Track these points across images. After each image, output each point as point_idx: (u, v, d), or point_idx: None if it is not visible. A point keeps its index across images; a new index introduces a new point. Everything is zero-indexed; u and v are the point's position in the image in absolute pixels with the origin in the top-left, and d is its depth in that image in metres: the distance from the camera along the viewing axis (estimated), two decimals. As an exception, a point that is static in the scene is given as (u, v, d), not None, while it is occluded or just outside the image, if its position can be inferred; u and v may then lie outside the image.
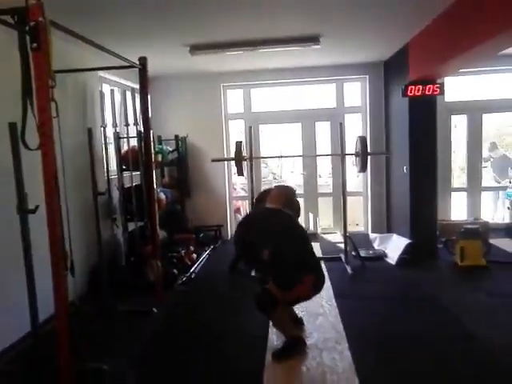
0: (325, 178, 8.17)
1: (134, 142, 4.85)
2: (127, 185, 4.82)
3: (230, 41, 4.95)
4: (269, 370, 2.92)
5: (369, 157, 5.31)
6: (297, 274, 3.11)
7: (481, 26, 3.51)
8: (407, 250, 5.37)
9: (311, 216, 7.35)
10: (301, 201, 7.14)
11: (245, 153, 5.46)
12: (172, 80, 6.78)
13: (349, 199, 7.05)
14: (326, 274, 4.91)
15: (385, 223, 6.91)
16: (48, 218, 2.38)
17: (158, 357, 3.21)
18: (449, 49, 4.21)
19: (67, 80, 4.29)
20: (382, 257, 5.65)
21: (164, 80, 6.69)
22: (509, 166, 7.69)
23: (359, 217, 7.44)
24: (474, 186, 7.01)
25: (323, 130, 7.19)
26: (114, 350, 3.33)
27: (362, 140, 5.19)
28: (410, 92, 5.22)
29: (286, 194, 3.58)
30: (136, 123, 4.66)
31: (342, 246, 5.56)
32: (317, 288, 3.28)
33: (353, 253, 5.50)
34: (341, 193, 5.60)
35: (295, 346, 3.16)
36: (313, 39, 4.89)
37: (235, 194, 7.68)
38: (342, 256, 5.50)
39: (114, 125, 4.69)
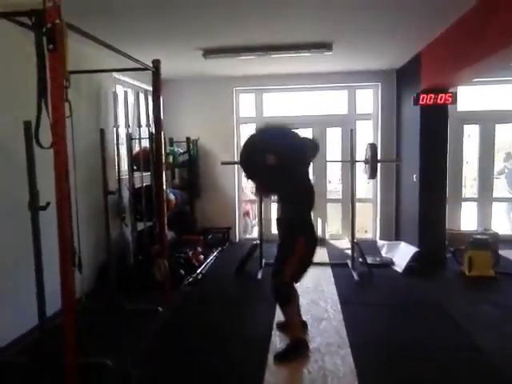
0: (334, 184, 8.16)
1: (145, 143, 4.92)
2: (138, 185, 4.89)
3: (243, 45, 5.00)
4: (270, 371, 2.95)
5: (379, 164, 5.31)
6: (292, 228, 3.24)
7: (493, 36, 3.51)
8: (415, 258, 5.36)
9: (320, 221, 7.35)
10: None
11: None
12: (185, 83, 6.86)
13: (358, 206, 7.06)
14: (331, 279, 5.00)
15: (393, 231, 6.89)
16: (58, 215, 2.43)
17: (162, 356, 3.26)
18: (461, 58, 4.21)
19: (82, 80, 4.38)
20: (389, 264, 5.63)
21: (177, 83, 6.77)
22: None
23: (368, 223, 7.43)
24: (486, 197, 6.96)
25: (334, 136, 7.21)
26: (119, 347, 3.37)
27: (373, 147, 5.20)
28: (422, 100, 5.22)
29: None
30: (148, 125, 4.73)
31: (350, 252, 5.57)
32: (309, 250, 3.27)
33: (360, 259, 5.50)
34: (350, 199, 5.60)
35: (298, 348, 3.19)
36: (325, 46, 4.92)
37: (245, 198, 7.71)
38: (349, 262, 5.50)
39: (127, 126, 4.76)
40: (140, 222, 4.86)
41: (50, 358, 2.89)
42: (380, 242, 6.58)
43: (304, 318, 3.71)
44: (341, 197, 7.31)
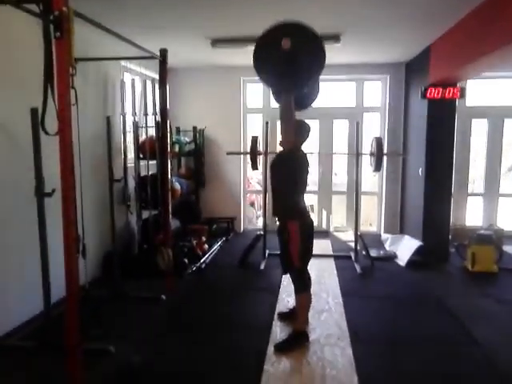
0: (340, 177, 8.15)
1: (152, 132, 4.93)
2: (143, 173, 4.92)
3: (251, 35, 4.96)
4: (269, 361, 2.98)
5: (384, 157, 5.29)
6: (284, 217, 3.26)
7: (504, 30, 3.48)
8: (418, 252, 5.36)
9: (324, 213, 7.36)
10: (315, 198, 7.22)
11: (261, 148, 5.50)
12: (192, 72, 6.85)
13: (364, 199, 7.08)
14: (334, 271, 5.02)
15: (398, 224, 6.89)
16: (63, 201, 2.45)
17: (164, 343, 3.30)
18: (470, 52, 4.17)
19: (89, 68, 4.39)
20: (392, 257, 5.64)
21: (185, 72, 6.77)
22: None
23: (373, 216, 7.44)
24: (492, 192, 6.93)
25: (341, 129, 7.18)
26: (122, 334, 3.42)
27: (378, 141, 5.18)
28: (430, 94, 5.19)
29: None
30: (155, 113, 4.74)
31: (353, 244, 5.58)
32: (305, 230, 3.21)
33: (363, 252, 5.51)
34: (355, 192, 5.60)
35: (298, 339, 3.23)
36: (334, 37, 4.89)
37: (251, 188, 7.72)
38: (352, 255, 5.52)
39: (134, 114, 4.78)
40: (145, 210, 4.89)
41: (54, 342, 2.95)
42: (384, 236, 6.58)
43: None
44: (346, 189, 7.30)
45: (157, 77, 4.42)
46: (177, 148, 6.10)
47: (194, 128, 6.75)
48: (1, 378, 2.82)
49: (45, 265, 2.95)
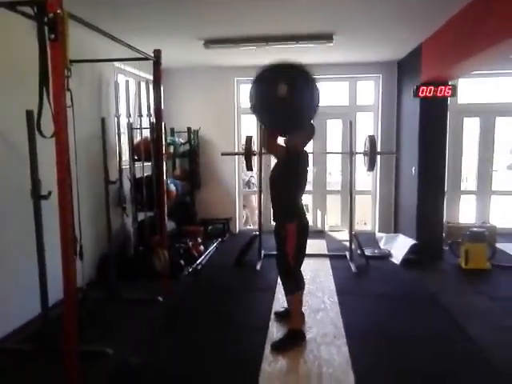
0: (334, 176, 8.19)
1: (146, 133, 4.93)
2: (138, 175, 4.92)
3: (244, 36, 5.00)
4: (267, 360, 3.00)
5: (378, 156, 5.32)
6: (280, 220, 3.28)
7: (493, 28, 3.52)
8: (412, 250, 5.40)
9: (319, 213, 7.39)
10: (309, 197, 7.25)
11: (255, 147, 5.52)
12: (186, 73, 6.86)
13: (358, 198, 7.11)
14: (330, 271, 5.05)
15: (392, 223, 6.93)
16: (60, 203, 2.46)
17: (161, 344, 3.31)
18: (461, 50, 4.21)
19: (83, 70, 4.39)
20: (386, 256, 5.68)
21: (178, 72, 6.77)
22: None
23: (368, 216, 7.48)
24: (484, 190, 6.99)
25: (335, 128, 7.22)
26: (119, 336, 3.42)
27: (371, 139, 5.21)
28: (422, 93, 5.23)
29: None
30: (149, 114, 4.74)
31: (348, 244, 5.61)
32: (301, 230, 3.26)
33: (358, 251, 5.54)
34: (349, 191, 5.63)
35: (294, 338, 3.25)
36: (326, 37, 4.93)
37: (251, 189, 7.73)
38: (348, 254, 5.55)
39: (128, 115, 4.77)
40: (141, 212, 4.89)
41: (52, 345, 2.95)
42: (378, 234, 6.63)
43: (301, 308, 3.76)
44: (340, 188, 7.33)
45: (150, 78, 4.43)
46: (172, 149, 6.10)
47: (189, 129, 6.75)
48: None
49: (42, 267, 2.95)
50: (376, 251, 5.86)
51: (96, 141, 4.17)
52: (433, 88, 5.17)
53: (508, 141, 7.53)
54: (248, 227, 7.66)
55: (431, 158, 5.52)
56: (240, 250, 5.47)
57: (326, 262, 5.43)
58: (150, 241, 4.78)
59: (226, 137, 7.05)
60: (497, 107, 6.81)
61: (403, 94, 6.36)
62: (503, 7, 3.36)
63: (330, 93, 7.28)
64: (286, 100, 2.98)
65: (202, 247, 5.81)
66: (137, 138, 5.11)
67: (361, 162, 5.73)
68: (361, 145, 5.72)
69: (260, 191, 5.59)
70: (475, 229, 5.31)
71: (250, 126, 7.30)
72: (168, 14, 4.15)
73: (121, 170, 4.60)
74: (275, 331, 3.46)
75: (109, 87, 5.02)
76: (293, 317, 3.38)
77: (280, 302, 4.06)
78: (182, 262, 5.03)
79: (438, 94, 5.18)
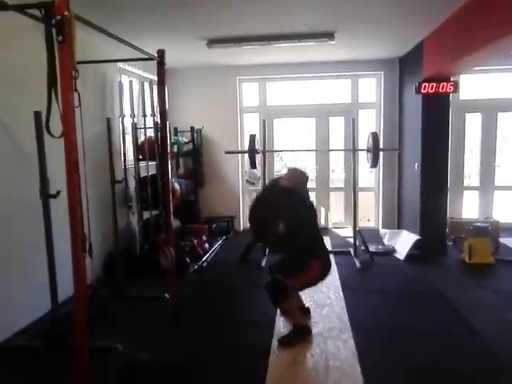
0: (337, 173, 8.21)
1: (150, 133, 4.98)
2: (143, 174, 4.96)
3: (246, 35, 5.04)
4: (274, 355, 3.04)
5: (381, 153, 5.35)
6: (306, 255, 3.28)
7: (494, 24, 3.54)
8: (416, 246, 5.44)
9: (323, 210, 7.42)
10: (313, 194, 7.27)
11: (258, 146, 5.56)
12: (189, 72, 6.90)
13: (361, 195, 7.12)
14: (334, 266, 5.06)
15: (395, 219, 6.96)
16: (69, 202, 2.50)
17: (168, 340, 3.36)
18: (462, 46, 4.24)
19: (87, 70, 4.42)
20: (390, 252, 5.72)
21: (181, 72, 6.81)
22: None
23: (371, 212, 7.50)
24: (487, 185, 7.01)
25: (337, 125, 7.25)
26: (127, 332, 3.46)
27: (374, 136, 5.25)
28: (424, 89, 5.26)
29: (297, 178, 3.63)
30: (153, 114, 4.78)
31: (352, 240, 5.65)
32: (323, 273, 3.39)
33: (362, 247, 5.57)
34: (352, 188, 5.66)
35: (301, 333, 3.28)
36: (328, 35, 4.96)
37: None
38: (352, 250, 5.58)
39: (132, 115, 4.82)
40: (146, 210, 4.94)
41: (62, 342, 2.99)
42: (382, 231, 6.66)
43: (307, 303, 3.80)
44: (343, 186, 7.36)
45: (154, 78, 4.46)
46: (175, 148, 6.15)
47: (192, 128, 6.79)
48: (10, 377, 2.87)
49: (51, 265, 3.00)
50: (380, 247, 5.89)
51: (100, 141, 4.21)
52: (435, 84, 5.20)
53: (510, 136, 7.52)
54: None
55: (434, 154, 5.54)
56: (245, 247, 5.51)
57: (331, 258, 5.43)
58: (156, 239, 4.82)
59: (228, 135, 7.09)
60: (499, 103, 6.83)
61: (405, 90, 6.39)
62: (504, 3, 3.38)
63: (332, 90, 7.31)
64: (285, 235, 3.22)
65: (206, 245, 5.86)
66: (141, 138, 5.15)
67: (364, 159, 5.78)
68: (363, 142, 5.76)
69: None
70: (478, 224, 5.34)
71: (252, 124, 7.34)
72: (171, 15, 4.19)
73: (126, 170, 4.65)
74: (282, 326, 3.50)
75: (113, 88, 5.07)
76: (293, 318, 3.36)
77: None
78: (188, 259, 5.08)
79: (440, 91, 5.21)
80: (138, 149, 4.91)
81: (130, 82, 4.85)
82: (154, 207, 4.87)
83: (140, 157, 4.96)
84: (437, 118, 5.49)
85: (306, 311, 3.69)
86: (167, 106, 4.27)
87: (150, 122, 4.90)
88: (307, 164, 7.68)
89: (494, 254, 5.15)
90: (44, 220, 2.94)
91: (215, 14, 4.25)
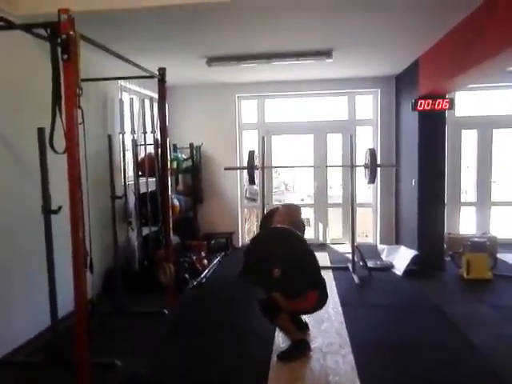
0: (335, 190, 8.26)
1: (150, 149, 5.03)
2: (143, 190, 4.99)
3: (245, 53, 5.14)
4: (274, 370, 3.04)
5: (378, 169, 5.41)
6: (304, 287, 3.31)
7: (489, 42, 3.63)
8: (414, 261, 5.46)
9: (321, 226, 7.45)
10: (311, 211, 7.31)
11: (257, 162, 5.61)
12: (189, 90, 6.99)
13: (359, 211, 7.17)
14: (333, 282, 5.08)
15: (393, 235, 6.99)
16: (71, 217, 2.54)
17: (169, 356, 3.35)
18: (457, 64, 4.33)
19: (90, 88, 4.49)
20: (389, 268, 5.73)
21: (181, 90, 6.90)
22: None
23: (369, 228, 7.53)
24: (484, 201, 7.06)
25: (335, 142, 7.33)
26: (127, 348, 3.46)
27: (372, 152, 5.32)
28: (420, 106, 5.34)
29: (292, 213, 3.75)
30: (153, 131, 4.84)
31: (350, 256, 5.66)
32: (319, 304, 3.45)
33: (360, 263, 5.59)
34: (350, 204, 5.70)
35: (300, 348, 3.29)
36: (326, 53, 5.06)
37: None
38: (350, 266, 5.60)
39: (132, 132, 4.87)
40: (145, 226, 4.96)
41: (62, 357, 2.99)
42: (380, 246, 6.68)
43: (305, 319, 3.81)
44: (341, 202, 7.40)
45: (154, 95, 4.53)
46: (175, 165, 6.19)
47: (191, 145, 6.86)
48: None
49: (52, 280, 3.01)
50: (378, 263, 5.91)
51: (101, 157, 4.26)
52: (431, 101, 5.28)
53: (505, 152, 7.60)
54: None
55: (431, 170, 5.60)
56: (244, 263, 5.50)
57: (329, 274, 5.47)
58: (155, 255, 4.84)
59: (227, 152, 7.15)
60: (493, 119, 6.93)
61: (402, 107, 6.48)
62: (498, 21, 3.47)
63: (329, 107, 7.40)
64: (280, 279, 3.26)
65: (205, 261, 5.87)
66: (141, 154, 5.19)
67: (361, 175, 5.83)
68: (361, 159, 5.82)
69: (263, 205, 5.66)
70: (476, 239, 5.37)
71: (251, 141, 7.41)
72: (172, 34, 4.29)
73: (126, 186, 4.68)
74: (281, 341, 3.50)
75: (114, 105, 5.13)
76: (286, 333, 3.41)
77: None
78: (187, 275, 5.08)
79: (436, 107, 5.29)
80: (138, 165, 4.95)
81: (131, 99, 4.92)
82: (153, 223, 4.89)
83: (140, 173, 5.00)
84: (433, 135, 5.57)
85: (304, 326, 3.71)
86: (167, 123, 4.33)
87: (150, 139, 4.95)
88: (305, 180, 7.71)
89: (492, 270, 5.18)
90: (45, 235, 2.97)
91: (215, 33, 4.34)
